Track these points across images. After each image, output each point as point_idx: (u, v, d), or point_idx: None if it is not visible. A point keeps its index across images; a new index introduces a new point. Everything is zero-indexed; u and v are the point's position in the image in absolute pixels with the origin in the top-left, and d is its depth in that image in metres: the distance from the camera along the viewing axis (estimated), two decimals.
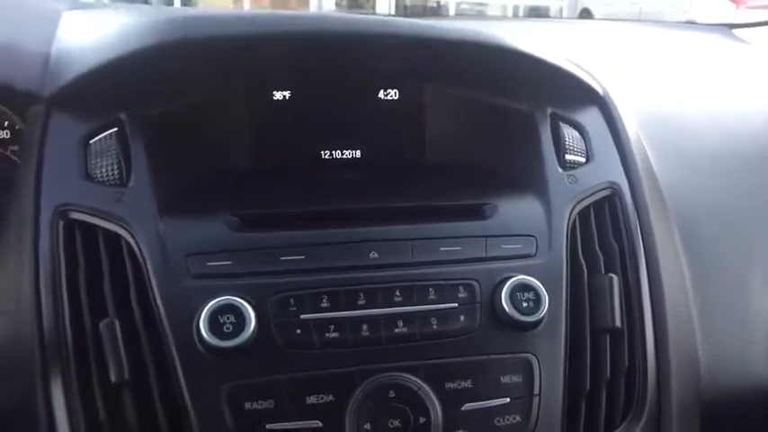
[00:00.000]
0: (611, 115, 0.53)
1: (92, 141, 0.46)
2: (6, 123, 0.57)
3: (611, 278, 0.46)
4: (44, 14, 0.60)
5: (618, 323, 0.45)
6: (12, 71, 0.49)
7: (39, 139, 0.45)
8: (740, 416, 0.50)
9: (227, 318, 0.38)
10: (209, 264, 0.41)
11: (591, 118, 0.53)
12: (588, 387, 0.43)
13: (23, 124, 0.50)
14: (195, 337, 0.39)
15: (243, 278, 0.41)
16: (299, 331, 0.40)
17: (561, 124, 0.52)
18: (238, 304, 0.39)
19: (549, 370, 0.42)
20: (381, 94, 0.56)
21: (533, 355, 0.42)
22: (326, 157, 0.56)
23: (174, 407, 0.38)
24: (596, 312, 0.45)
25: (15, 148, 0.58)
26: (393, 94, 0.56)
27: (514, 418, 0.40)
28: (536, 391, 0.41)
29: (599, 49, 0.75)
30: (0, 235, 0.48)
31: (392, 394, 0.39)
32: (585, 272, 0.46)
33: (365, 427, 0.38)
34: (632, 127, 0.54)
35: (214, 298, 0.39)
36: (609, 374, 0.44)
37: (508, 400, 0.40)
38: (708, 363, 0.48)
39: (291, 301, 0.40)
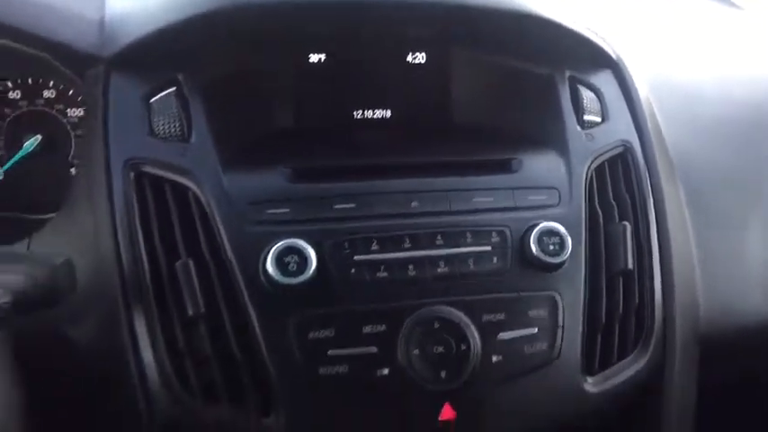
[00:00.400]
0: (624, 79, 0.58)
1: (152, 100, 0.50)
2: (52, 83, 0.62)
3: (624, 226, 0.52)
4: None
5: (630, 266, 0.51)
6: (68, 34, 0.53)
7: (102, 98, 0.49)
8: (734, 349, 0.57)
9: (292, 258, 0.43)
10: (269, 211, 0.46)
11: (606, 81, 0.58)
12: (604, 321, 0.49)
13: (82, 85, 0.54)
14: (261, 275, 0.44)
15: (301, 224, 0.45)
16: (353, 270, 0.45)
17: (579, 86, 0.57)
18: (301, 246, 0.43)
19: (571, 306, 0.48)
20: (409, 58, 0.60)
21: (557, 292, 0.47)
22: (358, 117, 0.60)
23: (245, 338, 0.43)
24: (611, 256, 0.51)
25: (61, 107, 0.63)
26: (420, 57, 0.60)
27: (541, 346, 0.46)
28: (560, 323, 0.47)
29: (607, 12, 0.79)
30: (71, 187, 0.53)
31: (437, 325, 0.44)
32: (602, 220, 0.52)
33: (414, 352, 0.44)
34: (643, 90, 0.59)
35: (278, 241, 0.43)
36: (621, 311, 0.50)
37: (536, 330, 0.46)
38: (706, 302, 0.54)
39: (346, 244, 0.45)
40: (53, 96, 0.61)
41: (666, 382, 0.50)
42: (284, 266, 0.43)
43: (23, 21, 0.53)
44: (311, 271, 0.43)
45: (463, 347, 0.44)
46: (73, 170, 0.63)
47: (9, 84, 0.60)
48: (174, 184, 0.47)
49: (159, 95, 0.50)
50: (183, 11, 0.50)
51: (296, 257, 0.43)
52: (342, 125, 0.59)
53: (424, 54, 0.60)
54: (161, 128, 0.49)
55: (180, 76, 0.50)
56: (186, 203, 0.46)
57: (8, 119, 0.60)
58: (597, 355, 0.49)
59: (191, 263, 0.44)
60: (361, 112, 0.60)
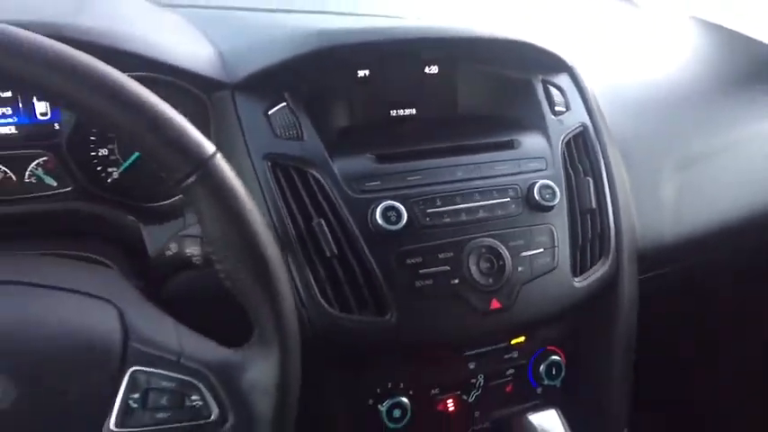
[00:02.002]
0: (577, 79, 0.83)
1: (270, 113, 0.70)
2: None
3: (588, 180, 0.77)
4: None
5: (594, 205, 0.76)
6: (197, 65, 0.71)
7: (234, 113, 0.69)
8: (658, 257, 0.84)
9: (392, 213, 0.65)
10: (367, 184, 0.68)
11: (566, 81, 0.83)
12: (581, 242, 0.75)
13: (208, 104, 0.72)
14: (371, 225, 0.66)
15: (390, 191, 0.67)
16: (428, 219, 0.68)
17: (549, 86, 0.81)
18: (395, 205, 0.66)
19: (561, 233, 0.73)
20: (426, 69, 0.83)
21: (553, 225, 0.72)
22: (393, 114, 0.82)
23: (364, 267, 0.65)
24: (581, 200, 0.75)
25: None
26: (434, 69, 0.82)
27: (546, 260, 0.71)
28: (556, 244, 0.72)
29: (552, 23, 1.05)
30: None
31: (483, 250, 0.68)
32: (573, 177, 0.77)
33: (472, 268, 0.67)
34: (590, 86, 0.84)
35: (380, 202, 0.66)
36: (590, 235, 0.76)
37: (542, 250, 0.71)
38: (639, 227, 0.81)
39: (421, 202, 0.68)
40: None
41: (620, 278, 0.77)
42: (387, 218, 0.65)
43: (156, 53, 0.70)
44: (404, 221, 0.66)
45: (500, 263, 0.69)
46: None
47: None
48: (299, 170, 0.67)
49: (274, 109, 0.70)
50: (284, 51, 0.70)
51: (394, 212, 0.66)
52: (384, 121, 0.81)
53: (436, 67, 0.82)
54: (280, 131, 0.69)
55: (286, 95, 0.70)
56: (308, 183, 0.67)
57: None
58: (579, 264, 0.74)
59: (322, 221, 0.65)
60: (395, 111, 0.82)
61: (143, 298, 0.52)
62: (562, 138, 0.78)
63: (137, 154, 0.75)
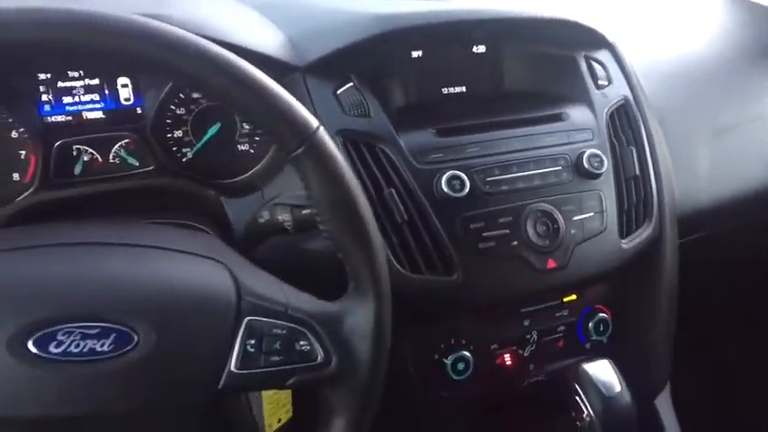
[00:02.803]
0: (618, 55, 0.88)
1: (338, 92, 0.75)
2: None
3: (631, 149, 0.82)
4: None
5: (637, 172, 0.82)
6: (269, 49, 0.76)
7: (307, 94, 0.74)
8: (696, 219, 0.89)
9: (456, 181, 0.71)
10: (430, 156, 0.73)
11: (607, 57, 0.88)
12: (626, 206, 0.80)
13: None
14: (436, 193, 0.71)
15: (452, 162, 0.73)
16: (488, 187, 0.74)
17: (592, 62, 0.86)
18: (459, 174, 0.72)
19: (608, 198, 0.78)
20: (474, 49, 0.88)
21: (601, 191, 0.78)
22: (445, 92, 0.88)
23: (432, 231, 0.71)
24: (626, 167, 0.81)
25: None
26: (482, 48, 0.88)
27: (595, 223, 0.77)
28: (604, 209, 0.77)
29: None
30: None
31: (539, 214, 0.74)
32: (617, 146, 0.82)
33: (530, 230, 0.73)
34: (629, 61, 0.90)
35: (445, 172, 0.71)
36: (635, 199, 0.81)
37: (592, 213, 0.77)
38: (677, 191, 0.87)
39: (480, 172, 0.74)
40: None
41: (663, 240, 0.83)
42: (451, 187, 0.71)
43: (237, 39, 0.73)
44: (467, 188, 0.72)
45: (555, 226, 0.75)
46: (239, 146, 0.87)
47: None
48: (369, 145, 0.73)
49: (343, 89, 0.75)
50: (350, 35, 0.76)
51: (458, 181, 0.72)
52: (436, 99, 0.87)
53: (484, 46, 0.88)
54: (349, 109, 0.75)
55: (352, 75, 0.76)
56: (378, 156, 0.73)
57: (194, 113, 0.81)
58: (625, 226, 0.80)
59: (392, 191, 0.71)
60: (446, 89, 0.88)
61: (244, 259, 0.58)
62: (606, 110, 0.83)
63: (209, 135, 0.82)
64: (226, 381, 0.50)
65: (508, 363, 0.80)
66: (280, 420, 0.74)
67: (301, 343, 0.52)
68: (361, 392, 0.54)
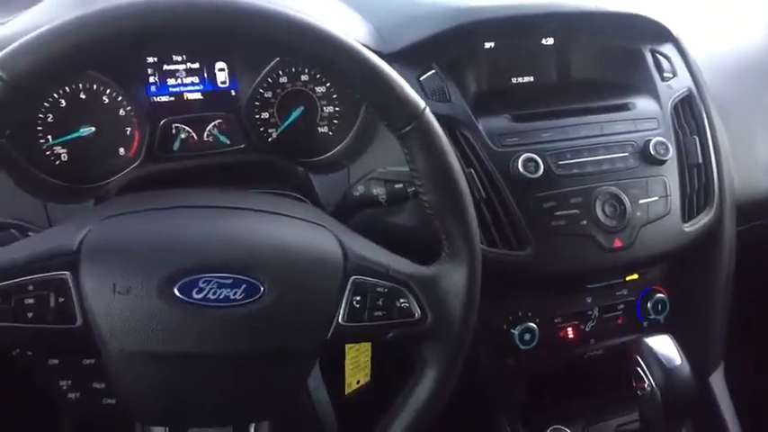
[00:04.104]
0: (682, 48, 0.93)
1: (421, 78, 0.81)
2: (307, 69, 0.90)
3: (694, 138, 0.87)
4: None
5: (700, 160, 0.86)
6: (359, 38, 0.82)
7: None
8: (754, 210, 0.93)
9: (531, 163, 0.77)
10: (507, 140, 0.79)
11: (671, 50, 0.92)
12: (689, 192, 0.85)
13: None
14: (512, 173, 0.77)
15: (527, 146, 0.79)
16: (560, 170, 0.79)
17: (657, 55, 0.91)
18: (534, 157, 0.77)
19: (672, 183, 0.83)
20: (543, 41, 0.93)
21: (665, 177, 0.82)
22: (515, 82, 0.93)
23: (507, 209, 0.77)
24: (689, 155, 0.86)
25: (311, 86, 0.89)
26: (550, 40, 0.93)
27: (660, 207, 0.81)
28: (668, 193, 0.82)
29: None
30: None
31: (608, 196, 0.79)
32: (681, 135, 0.86)
33: (598, 211, 0.78)
34: (693, 54, 0.93)
35: (521, 154, 0.77)
36: (697, 186, 0.86)
37: (657, 198, 0.81)
38: (737, 180, 0.91)
39: (553, 155, 0.79)
40: (308, 79, 0.90)
41: (722, 226, 0.87)
42: (527, 168, 0.77)
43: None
44: (541, 170, 0.77)
45: (622, 208, 0.79)
46: (319, 129, 0.94)
47: (280, 72, 0.86)
48: (449, 128, 0.79)
49: (425, 75, 0.81)
50: (432, 26, 0.82)
51: (533, 163, 0.77)
52: (505, 88, 0.92)
53: (552, 38, 0.93)
54: (431, 95, 0.80)
55: (433, 63, 0.82)
56: (458, 139, 0.79)
57: (279, 96, 0.87)
58: (687, 211, 0.84)
59: (472, 171, 0.77)
60: (515, 78, 0.93)
61: (345, 226, 0.64)
62: (671, 101, 0.87)
63: (293, 118, 0.88)
64: (334, 331, 0.56)
65: (570, 336, 0.86)
66: (358, 382, 0.80)
67: (401, 301, 0.58)
68: (452, 347, 0.60)
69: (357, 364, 0.79)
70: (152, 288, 0.51)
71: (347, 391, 0.76)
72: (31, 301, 0.49)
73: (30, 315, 0.49)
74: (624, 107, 0.86)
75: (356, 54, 0.54)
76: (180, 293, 0.52)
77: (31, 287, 0.49)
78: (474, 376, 0.79)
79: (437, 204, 0.59)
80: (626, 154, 0.82)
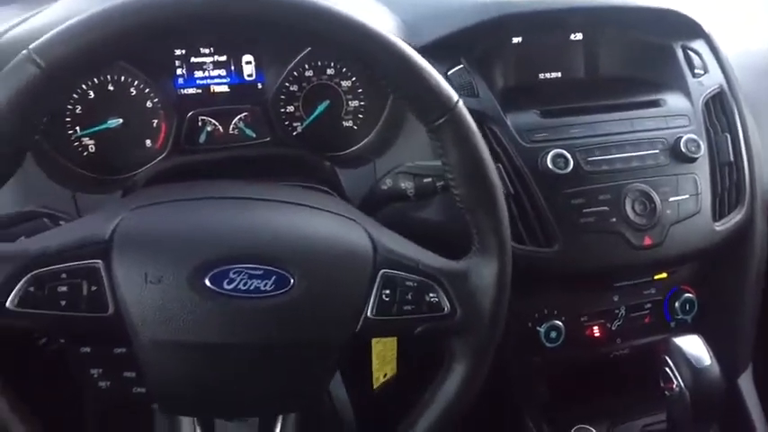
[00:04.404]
0: (714, 44, 0.91)
1: (449, 73, 0.81)
2: (332, 63, 0.89)
3: (725, 136, 0.85)
4: None
5: (731, 158, 0.84)
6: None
7: None
8: None
9: (560, 159, 0.76)
10: (536, 135, 0.78)
11: (703, 46, 0.90)
12: (720, 190, 0.83)
13: None
14: (541, 169, 0.76)
15: (555, 141, 0.78)
16: (589, 166, 0.78)
17: (688, 51, 0.89)
18: (563, 153, 0.76)
19: (703, 181, 0.81)
20: (572, 36, 0.92)
21: (696, 174, 0.81)
22: (541, 77, 0.92)
23: (535, 203, 0.76)
24: (721, 153, 0.84)
25: (337, 80, 0.89)
26: (579, 36, 0.92)
27: (690, 205, 0.80)
28: (699, 191, 0.81)
29: None
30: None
31: (637, 194, 0.78)
32: (713, 133, 0.85)
33: (627, 208, 0.77)
34: (724, 51, 0.92)
35: (550, 150, 0.76)
36: (728, 184, 0.84)
37: (687, 196, 0.80)
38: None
39: (582, 151, 0.78)
40: (333, 73, 0.90)
41: (753, 226, 0.86)
42: (556, 164, 0.76)
43: None
44: (570, 166, 0.76)
45: (652, 205, 0.78)
46: (344, 123, 0.94)
47: (306, 65, 0.87)
48: (478, 122, 0.76)
49: (453, 70, 0.80)
50: (460, 21, 0.81)
51: (562, 159, 0.76)
52: (533, 84, 0.91)
53: (581, 34, 0.92)
54: (459, 89, 0.79)
55: (462, 58, 0.81)
56: (486, 134, 0.78)
57: (305, 90, 0.87)
58: (718, 210, 0.83)
59: (500, 166, 0.76)
60: (542, 74, 0.92)
61: (373, 220, 0.64)
62: (702, 98, 0.86)
63: (318, 111, 0.88)
64: (362, 325, 0.56)
65: (597, 334, 0.85)
66: (385, 375, 0.80)
67: (430, 295, 0.57)
68: (482, 342, 0.59)
69: (383, 358, 0.79)
70: (183, 278, 0.51)
71: (375, 385, 0.76)
72: (64, 288, 0.49)
73: (63, 303, 0.49)
74: (654, 103, 0.85)
75: (390, 44, 0.54)
76: (211, 284, 0.51)
77: (64, 275, 0.49)
78: (499, 374, 0.79)
79: (468, 198, 0.58)
80: (656, 151, 0.80)
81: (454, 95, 0.56)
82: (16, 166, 0.49)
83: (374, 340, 0.80)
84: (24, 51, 0.46)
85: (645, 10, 0.89)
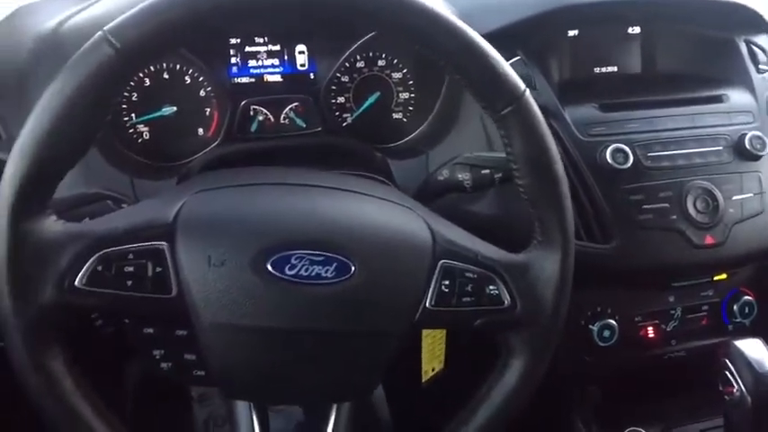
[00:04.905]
0: None
1: None
2: (384, 55, 0.89)
3: None
4: None
5: None
6: None
7: None
8: None
9: (620, 154, 0.74)
10: (594, 129, 0.76)
11: (766, 41, 0.88)
12: None
13: None
14: (599, 163, 0.74)
15: (614, 136, 0.76)
16: (649, 162, 0.76)
17: (752, 45, 0.87)
18: (623, 148, 0.74)
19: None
20: (629, 30, 0.90)
21: (761, 172, 0.79)
22: (597, 71, 0.90)
23: (592, 198, 0.75)
24: None
25: (388, 71, 0.88)
26: (637, 29, 0.90)
27: (754, 204, 0.77)
28: (764, 190, 0.78)
29: None
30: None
31: (699, 191, 0.76)
32: None
33: (689, 206, 0.75)
34: None
35: (609, 144, 0.74)
36: None
37: (751, 194, 0.77)
38: None
39: (642, 147, 0.76)
40: (385, 64, 0.90)
41: None
42: (615, 159, 0.74)
43: None
44: (630, 162, 0.74)
45: (714, 203, 0.76)
46: (393, 115, 0.93)
47: (357, 56, 0.86)
48: None
49: (510, 62, 0.79)
50: (518, 11, 0.80)
51: (621, 154, 0.74)
52: (588, 78, 0.89)
53: (639, 27, 0.90)
54: None
55: (519, 50, 0.80)
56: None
57: (356, 81, 0.87)
58: None
59: None
60: (598, 68, 0.90)
61: (431, 210, 0.63)
62: (767, 94, 0.83)
63: (368, 103, 0.88)
64: (421, 315, 0.55)
65: (651, 335, 0.83)
66: (434, 369, 0.79)
67: (490, 287, 0.56)
68: (542, 336, 0.58)
69: (432, 352, 0.78)
70: (246, 262, 0.51)
71: (423, 378, 0.75)
72: (130, 269, 0.49)
73: (129, 283, 0.49)
74: (716, 99, 0.82)
75: (458, 30, 0.53)
76: (273, 269, 0.51)
77: (131, 255, 0.49)
78: (550, 372, 0.77)
79: (533, 189, 0.57)
80: (719, 148, 0.78)
81: (521, 84, 0.55)
82: (87, 148, 0.49)
83: (424, 334, 0.79)
84: (100, 33, 0.46)
85: (707, 3, 0.86)
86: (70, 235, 0.49)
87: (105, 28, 0.47)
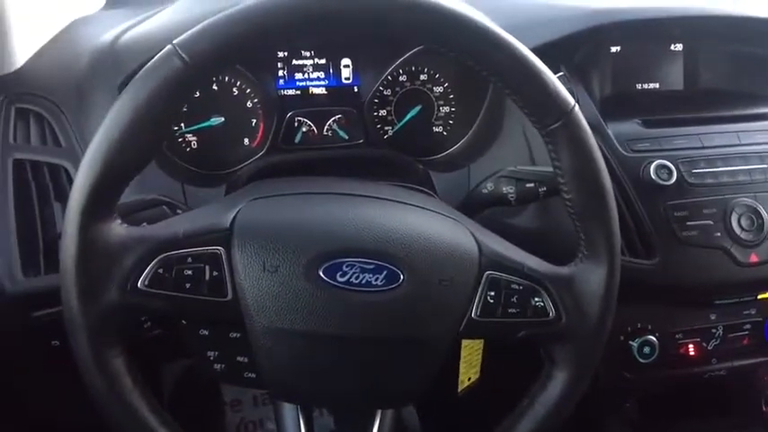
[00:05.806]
0: None
1: None
2: (426, 69, 0.90)
3: None
4: None
5: None
6: None
7: None
8: None
9: (663, 170, 0.74)
10: (638, 146, 0.77)
11: None
12: None
13: None
14: (643, 179, 0.75)
15: (657, 152, 0.76)
16: (693, 179, 0.76)
17: None
18: (667, 164, 0.75)
19: None
20: (672, 47, 0.90)
21: None
22: (638, 87, 0.90)
23: (637, 219, 0.75)
24: None
25: (429, 86, 0.89)
26: (679, 46, 0.90)
27: None
28: None
29: None
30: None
31: (744, 208, 0.75)
32: None
33: (733, 223, 0.75)
34: None
35: (653, 160, 0.74)
36: None
37: None
38: None
39: (686, 163, 0.76)
40: (426, 78, 0.91)
41: None
42: (659, 175, 0.74)
43: None
44: (674, 178, 0.74)
45: (760, 221, 0.76)
46: (434, 128, 0.94)
47: (400, 70, 0.88)
48: None
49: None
50: (562, 28, 0.81)
51: (665, 170, 0.74)
52: (630, 94, 0.90)
53: (681, 44, 0.90)
54: None
55: (562, 66, 0.81)
56: None
57: (398, 95, 0.89)
58: None
59: None
60: (639, 84, 0.91)
61: (475, 222, 0.64)
62: None
63: (409, 116, 0.89)
64: (466, 325, 0.56)
65: (691, 353, 0.82)
66: (470, 379, 0.79)
67: (536, 299, 0.57)
68: (586, 349, 0.58)
69: (469, 362, 0.79)
70: (299, 268, 0.52)
71: (459, 388, 0.75)
72: (189, 272, 0.51)
73: (187, 286, 0.51)
74: (763, 117, 0.82)
75: (507, 44, 0.54)
76: (324, 275, 0.53)
77: (189, 259, 0.51)
78: (589, 387, 0.77)
79: (580, 204, 0.57)
80: (765, 166, 0.78)
81: (571, 100, 0.56)
82: (154, 155, 0.52)
83: (463, 344, 0.80)
84: (169, 46, 0.49)
85: (750, 20, 0.86)
86: (134, 239, 0.51)
87: (174, 42, 0.49)
